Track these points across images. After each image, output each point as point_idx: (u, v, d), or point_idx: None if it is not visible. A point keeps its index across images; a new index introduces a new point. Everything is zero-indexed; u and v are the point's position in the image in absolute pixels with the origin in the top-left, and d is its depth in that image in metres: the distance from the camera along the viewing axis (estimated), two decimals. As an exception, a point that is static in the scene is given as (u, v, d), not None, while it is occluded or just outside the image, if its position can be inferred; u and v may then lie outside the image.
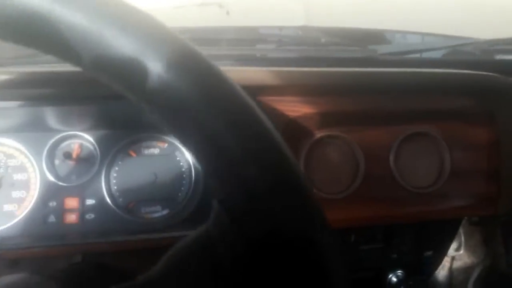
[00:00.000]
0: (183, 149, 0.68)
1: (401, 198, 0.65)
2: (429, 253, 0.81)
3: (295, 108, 0.59)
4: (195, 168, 0.67)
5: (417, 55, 0.91)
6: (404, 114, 0.65)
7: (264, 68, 0.59)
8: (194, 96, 0.24)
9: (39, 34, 0.24)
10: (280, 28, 0.83)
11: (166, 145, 0.68)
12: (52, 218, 0.61)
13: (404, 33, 0.95)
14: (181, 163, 0.67)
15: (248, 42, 0.79)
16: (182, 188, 0.67)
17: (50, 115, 0.59)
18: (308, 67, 0.64)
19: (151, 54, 0.24)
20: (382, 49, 0.90)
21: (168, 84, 0.24)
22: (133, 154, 0.66)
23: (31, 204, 0.60)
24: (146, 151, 0.67)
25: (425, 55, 0.92)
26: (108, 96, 0.54)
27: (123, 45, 0.24)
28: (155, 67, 0.24)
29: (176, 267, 0.27)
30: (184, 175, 0.67)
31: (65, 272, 0.46)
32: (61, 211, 0.61)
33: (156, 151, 0.67)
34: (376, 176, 0.64)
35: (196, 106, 0.24)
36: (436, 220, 0.72)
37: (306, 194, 0.26)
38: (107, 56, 0.24)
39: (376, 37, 0.92)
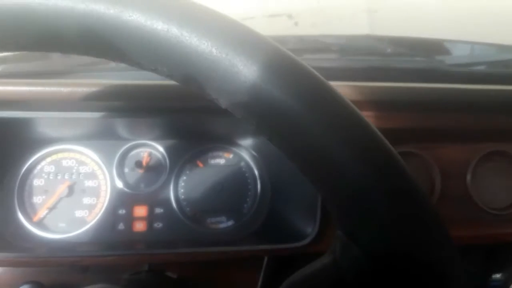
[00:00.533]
0: (248, 160, 0.67)
1: (477, 218, 0.61)
2: (497, 276, 0.77)
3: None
4: (260, 180, 0.66)
5: (485, 67, 0.87)
6: (483, 132, 0.61)
7: (339, 82, 0.57)
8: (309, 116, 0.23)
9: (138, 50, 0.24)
10: (344, 37, 0.81)
11: (231, 155, 0.67)
12: (121, 226, 0.61)
13: (472, 43, 0.91)
14: (246, 174, 0.67)
15: (312, 52, 0.78)
16: (248, 199, 0.66)
17: (122, 125, 0.60)
18: (373, 77, 0.62)
19: (249, 64, 0.23)
20: (449, 60, 0.87)
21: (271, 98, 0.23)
22: (200, 165, 0.66)
23: (102, 211, 0.61)
24: (213, 161, 0.67)
25: (493, 67, 0.88)
26: (179, 109, 0.54)
27: (222, 57, 0.23)
28: (254, 77, 0.23)
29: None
30: (250, 187, 0.66)
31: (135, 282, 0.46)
32: (130, 219, 0.61)
33: (222, 161, 0.67)
34: (452, 195, 0.61)
35: (313, 127, 0.23)
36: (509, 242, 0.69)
37: (435, 218, 0.24)
38: (207, 72, 0.24)
39: (443, 47, 0.88)
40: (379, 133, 0.25)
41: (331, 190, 0.24)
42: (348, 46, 0.81)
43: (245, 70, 0.23)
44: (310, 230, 0.55)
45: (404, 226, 0.23)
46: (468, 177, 0.61)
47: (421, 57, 0.84)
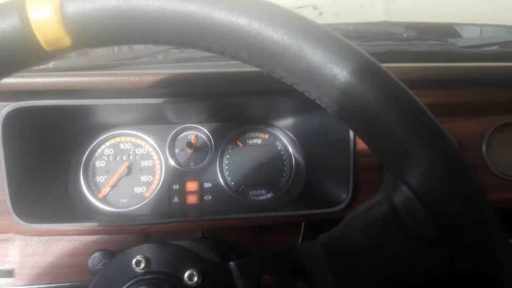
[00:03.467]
0: (283, 139, 0.75)
1: (493, 185, 0.68)
2: (512, 240, 0.84)
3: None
4: (295, 156, 0.74)
5: (495, 48, 0.93)
6: (497, 105, 0.68)
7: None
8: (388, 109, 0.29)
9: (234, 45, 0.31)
10: (364, 24, 0.88)
11: (267, 136, 0.75)
12: (176, 199, 0.69)
13: (482, 26, 0.97)
14: (282, 152, 0.75)
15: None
16: (284, 174, 0.74)
17: (172, 110, 0.68)
18: (392, 60, 0.69)
19: (338, 61, 0.29)
20: (461, 42, 0.93)
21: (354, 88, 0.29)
22: (240, 144, 0.74)
23: (158, 187, 0.70)
24: (251, 141, 0.75)
25: (504, 47, 0.94)
26: (220, 93, 0.62)
27: (292, 43, 0.29)
28: (341, 72, 0.29)
29: (363, 231, 0.32)
30: (285, 163, 0.74)
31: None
32: (184, 193, 0.70)
33: (258, 141, 0.75)
34: (470, 165, 0.68)
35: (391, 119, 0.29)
36: None
37: (467, 167, 0.30)
38: (301, 65, 0.30)
39: (455, 30, 0.95)
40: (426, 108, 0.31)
41: (389, 145, 0.30)
42: (368, 33, 0.87)
43: (311, 53, 0.29)
44: (344, 196, 0.62)
45: (443, 169, 0.29)
46: (484, 147, 0.68)
47: (435, 40, 0.90)
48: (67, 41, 0.29)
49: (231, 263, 0.37)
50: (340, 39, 0.30)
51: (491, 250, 0.30)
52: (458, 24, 0.96)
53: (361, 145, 0.62)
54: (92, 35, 0.30)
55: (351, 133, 0.61)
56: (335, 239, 0.34)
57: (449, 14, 1.03)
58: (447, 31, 0.97)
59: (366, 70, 0.29)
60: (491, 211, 0.30)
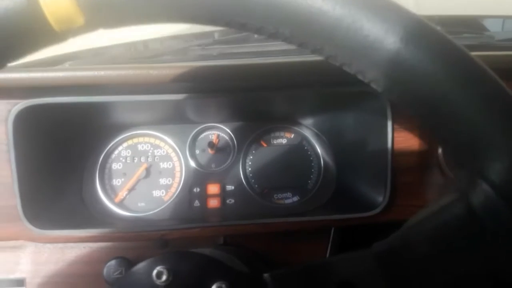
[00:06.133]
0: (310, 138, 0.70)
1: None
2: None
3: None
4: (323, 156, 0.69)
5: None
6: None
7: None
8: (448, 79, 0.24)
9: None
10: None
11: (293, 135, 0.70)
12: (197, 203, 0.65)
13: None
14: (309, 153, 0.70)
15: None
16: (312, 176, 0.69)
17: (192, 108, 0.64)
18: None
19: (402, 34, 0.24)
20: (500, 35, 0.87)
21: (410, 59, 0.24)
22: (264, 144, 0.69)
23: (178, 190, 0.65)
24: (275, 141, 0.70)
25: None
26: (243, 88, 0.57)
27: (345, 14, 0.24)
28: (406, 47, 0.24)
29: (431, 238, 0.27)
30: (313, 164, 0.69)
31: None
32: (205, 196, 0.65)
33: (283, 141, 0.70)
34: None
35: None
36: None
37: None
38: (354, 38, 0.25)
39: (491, 23, 0.89)
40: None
41: (466, 135, 0.25)
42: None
43: (369, 24, 0.25)
44: (381, 199, 0.57)
45: None
46: None
47: (470, 33, 0.84)
48: (80, 20, 0.25)
49: (266, 275, 0.32)
50: (403, 8, 0.25)
51: None
52: (495, 17, 0.90)
53: (400, 143, 0.57)
54: (109, 13, 0.25)
55: (390, 130, 0.55)
56: (394, 249, 0.29)
57: (475, 7, 0.98)
58: (482, 23, 0.91)
59: (438, 44, 0.24)
60: None
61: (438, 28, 0.25)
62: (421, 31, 0.24)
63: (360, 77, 0.27)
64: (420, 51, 0.24)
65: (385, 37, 0.24)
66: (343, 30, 0.25)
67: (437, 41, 0.24)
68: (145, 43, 0.91)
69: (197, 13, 0.26)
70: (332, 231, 0.64)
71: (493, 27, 0.99)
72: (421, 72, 0.24)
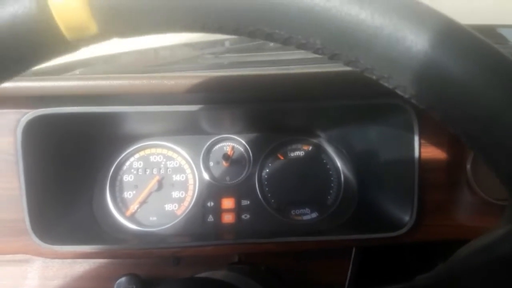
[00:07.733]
0: (330, 151, 0.67)
1: None
2: None
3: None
4: (343, 173, 0.66)
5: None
6: None
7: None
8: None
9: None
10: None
11: (310, 148, 0.67)
12: (210, 218, 0.62)
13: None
14: (328, 166, 0.66)
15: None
16: (331, 191, 0.65)
17: (206, 119, 0.61)
18: None
19: (450, 44, 0.22)
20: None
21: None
22: (281, 157, 0.66)
23: (191, 204, 0.62)
24: (293, 154, 0.67)
25: None
26: (260, 99, 0.54)
27: (386, 23, 0.22)
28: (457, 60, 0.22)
29: (484, 272, 0.24)
30: (332, 178, 0.66)
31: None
32: (219, 211, 0.62)
33: (301, 153, 0.67)
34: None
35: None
36: None
37: None
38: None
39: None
40: None
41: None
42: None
43: (412, 34, 0.22)
44: (407, 219, 0.53)
45: None
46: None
47: (498, 44, 0.81)
48: (93, 28, 0.23)
49: None
50: (449, 17, 0.22)
51: None
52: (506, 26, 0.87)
53: (427, 158, 0.53)
54: (124, 21, 0.23)
55: (417, 144, 0.52)
56: (440, 283, 0.26)
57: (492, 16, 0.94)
58: (498, 34, 0.88)
59: (494, 62, 0.21)
60: None
61: (488, 40, 0.22)
62: (472, 44, 0.21)
63: (400, 91, 0.24)
64: (473, 66, 0.21)
65: (431, 49, 0.21)
66: (382, 40, 0.22)
67: (491, 56, 0.21)
68: (156, 50, 0.89)
69: (221, 23, 0.24)
70: (353, 250, 0.61)
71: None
72: (474, 90, 0.21)
